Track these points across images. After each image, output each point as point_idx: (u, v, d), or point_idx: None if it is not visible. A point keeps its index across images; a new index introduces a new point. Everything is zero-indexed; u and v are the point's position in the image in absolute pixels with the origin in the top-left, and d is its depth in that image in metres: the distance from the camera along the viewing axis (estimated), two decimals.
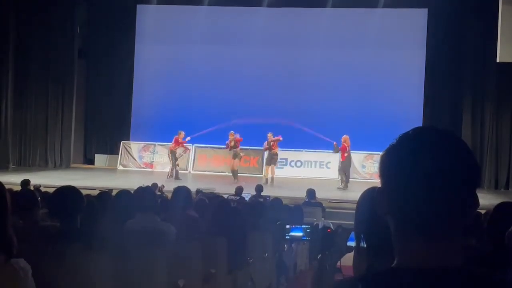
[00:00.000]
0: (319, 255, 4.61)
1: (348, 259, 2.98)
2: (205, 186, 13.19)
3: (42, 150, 19.65)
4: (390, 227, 1.26)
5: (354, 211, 2.48)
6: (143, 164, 19.80)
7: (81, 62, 20.63)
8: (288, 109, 19.16)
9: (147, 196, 5.15)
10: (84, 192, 4.49)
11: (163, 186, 12.22)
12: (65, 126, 19.82)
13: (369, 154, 18.30)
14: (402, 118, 18.01)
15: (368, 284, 1.23)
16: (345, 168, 16.40)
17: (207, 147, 19.37)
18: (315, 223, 8.17)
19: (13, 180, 12.86)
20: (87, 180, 15.65)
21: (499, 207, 3.45)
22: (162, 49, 20.64)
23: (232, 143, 17.23)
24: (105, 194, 6.46)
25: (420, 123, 18.30)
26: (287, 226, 5.87)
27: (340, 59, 19.64)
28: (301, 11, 19.88)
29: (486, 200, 11.48)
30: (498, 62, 15.00)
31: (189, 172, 19.07)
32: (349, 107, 19.16)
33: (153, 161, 19.78)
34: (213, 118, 19.24)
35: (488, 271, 1.22)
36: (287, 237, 5.98)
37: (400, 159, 1.23)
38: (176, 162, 17.28)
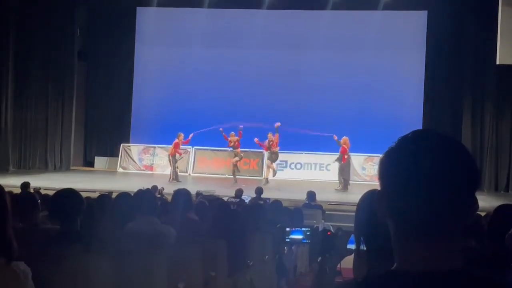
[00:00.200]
0: (319, 258, 4.61)
1: (348, 262, 2.98)
2: (205, 188, 13.19)
3: (42, 152, 19.65)
4: (390, 230, 1.26)
5: (354, 214, 2.48)
6: (143, 166, 19.80)
7: (81, 64, 20.63)
8: (288, 111, 19.14)
9: (147, 198, 5.15)
10: (84, 194, 4.49)
11: (163, 189, 12.22)
12: (65, 128, 19.83)
13: (369, 156, 18.32)
14: (402, 119, 18.03)
15: (368, 287, 1.23)
16: (344, 170, 16.38)
17: (207, 149, 19.37)
18: (315, 225, 8.17)
19: (13, 182, 12.88)
20: (87, 182, 15.64)
21: (499, 209, 3.45)
22: (162, 51, 20.66)
23: (232, 144, 17.29)
24: (105, 196, 6.45)
25: (420, 125, 18.31)
26: (287, 229, 5.87)
27: (341, 61, 19.65)
28: (301, 14, 19.89)
29: (486, 202, 11.47)
30: (497, 64, 15.01)
31: (189, 174, 19.07)
32: (350, 109, 19.16)
33: (153, 164, 19.78)
34: (213, 120, 19.22)
35: (488, 273, 1.22)
36: (287, 240, 5.98)
37: (399, 162, 1.23)
38: (176, 165, 17.29)
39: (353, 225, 2.52)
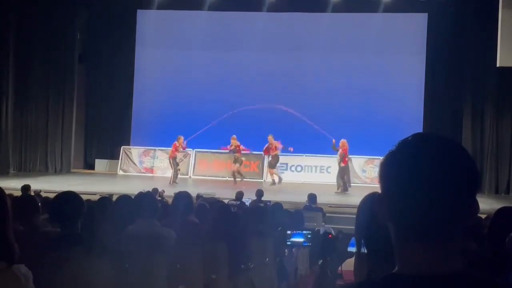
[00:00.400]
0: (320, 261, 4.61)
1: (349, 265, 2.98)
2: (205, 191, 13.19)
3: (43, 155, 19.65)
4: (391, 232, 1.26)
5: (354, 216, 2.48)
6: (144, 169, 19.80)
7: (81, 67, 20.63)
8: (289, 112, 19.12)
9: (148, 201, 5.14)
10: (84, 197, 4.49)
11: (164, 191, 12.20)
12: (65, 131, 19.82)
13: (370, 158, 18.31)
14: (403, 121, 18.03)
15: None
16: (343, 173, 16.35)
17: (207, 152, 19.36)
18: (316, 228, 8.16)
19: (13, 185, 12.87)
20: (87, 185, 15.64)
21: (500, 212, 3.45)
22: (162, 54, 20.66)
23: (233, 147, 17.26)
24: (105, 199, 6.44)
25: (420, 128, 18.32)
26: (288, 232, 5.87)
27: (341, 64, 19.65)
28: (301, 16, 19.89)
29: (487, 204, 11.45)
30: (498, 67, 15.01)
31: (190, 177, 19.07)
32: (350, 111, 19.14)
33: (153, 166, 19.77)
34: (214, 122, 19.23)
35: (489, 276, 1.22)
36: (288, 243, 5.97)
37: (400, 165, 1.23)
38: (178, 167, 17.29)
39: (354, 227, 2.52)
